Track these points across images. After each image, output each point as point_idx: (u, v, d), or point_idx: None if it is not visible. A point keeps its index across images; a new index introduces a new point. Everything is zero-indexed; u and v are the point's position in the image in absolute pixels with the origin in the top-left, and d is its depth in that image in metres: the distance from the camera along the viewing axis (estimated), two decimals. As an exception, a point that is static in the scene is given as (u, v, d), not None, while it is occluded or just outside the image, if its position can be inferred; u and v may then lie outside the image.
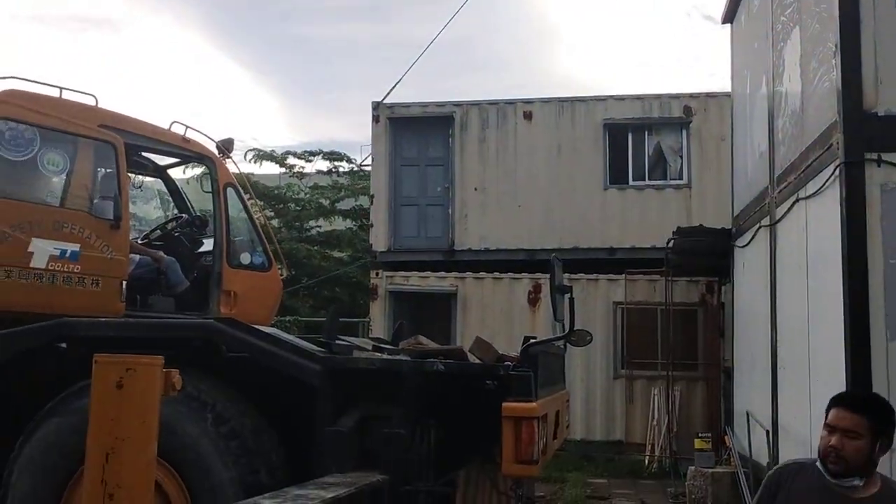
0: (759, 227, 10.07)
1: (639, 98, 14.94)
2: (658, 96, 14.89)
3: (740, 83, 12.11)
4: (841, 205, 6.79)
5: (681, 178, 14.62)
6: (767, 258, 9.51)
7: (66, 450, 4.66)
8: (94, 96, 6.79)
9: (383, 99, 15.17)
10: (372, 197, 15.71)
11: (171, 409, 4.42)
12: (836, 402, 3.20)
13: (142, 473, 2.22)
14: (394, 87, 15.21)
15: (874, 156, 6.72)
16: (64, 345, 5.07)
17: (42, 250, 6.01)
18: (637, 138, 14.78)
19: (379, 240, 15.23)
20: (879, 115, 6.74)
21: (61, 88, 6.60)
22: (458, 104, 15.32)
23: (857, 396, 3.44)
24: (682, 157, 14.66)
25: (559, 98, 15.15)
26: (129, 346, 4.52)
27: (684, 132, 14.59)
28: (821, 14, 7.52)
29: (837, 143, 6.92)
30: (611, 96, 15.08)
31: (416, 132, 15.39)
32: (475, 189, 14.98)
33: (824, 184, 7.29)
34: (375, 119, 15.31)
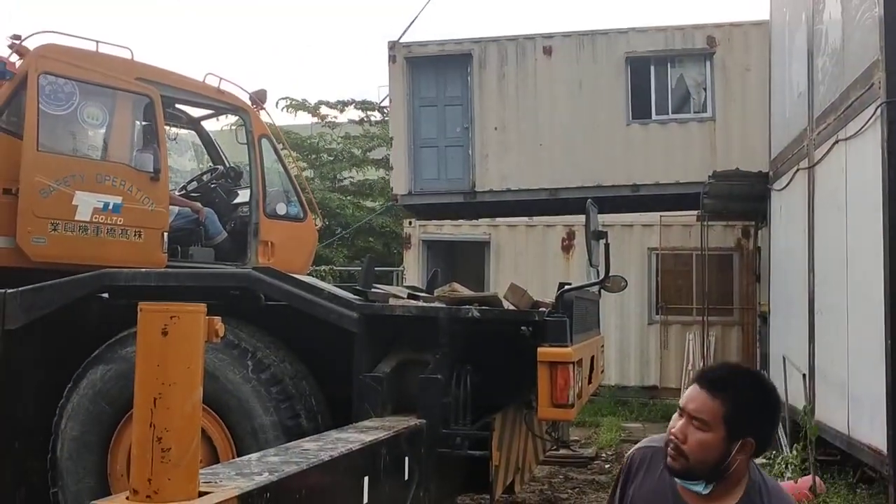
0: (797, 169, 9.90)
1: (661, 30, 14.39)
2: (681, 27, 14.35)
3: (779, 20, 11.81)
4: (882, 146, 6.66)
5: (705, 112, 14.19)
6: (805, 201, 9.37)
7: (113, 396, 4.79)
8: (129, 49, 6.84)
9: (400, 38, 14.71)
10: (391, 139, 15.41)
11: (213, 356, 4.53)
12: (695, 376, 2.43)
13: (188, 417, 2.28)
14: (410, 25, 14.88)
15: (917, 94, 6.57)
16: (106, 295, 5.18)
17: (86, 203, 6.11)
18: (659, 71, 14.32)
19: (400, 183, 14.91)
20: (923, 52, 6.56)
21: (97, 42, 6.64)
22: (476, 41, 14.81)
23: (718, 372, 2.41)
24: (705, 89, 14.25)
25: (579, 32, 14.61)
26: (170, 296, 4.62)
27: (708, 64, 14.12)
28: (864, -52, 7.28)
29: (879, 81, 6.75)
30: (632, 28, 14.51)
31: (433, 72, 14.93)
32: (495, 128, 14.57)
33: (865, 124, 7.13)
34: (392, 59, 14.84)
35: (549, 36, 14.71)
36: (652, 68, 14.33)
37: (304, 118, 25.25)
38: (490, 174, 14.56)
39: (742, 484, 2.33)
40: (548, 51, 14.54)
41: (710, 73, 14.15)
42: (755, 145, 13.42)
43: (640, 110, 14.30)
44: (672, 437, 2.30)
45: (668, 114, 14.27)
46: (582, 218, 5.28)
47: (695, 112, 14.31)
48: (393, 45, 14.81)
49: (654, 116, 14.28)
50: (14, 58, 6.29)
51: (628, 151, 14.15)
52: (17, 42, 6.27)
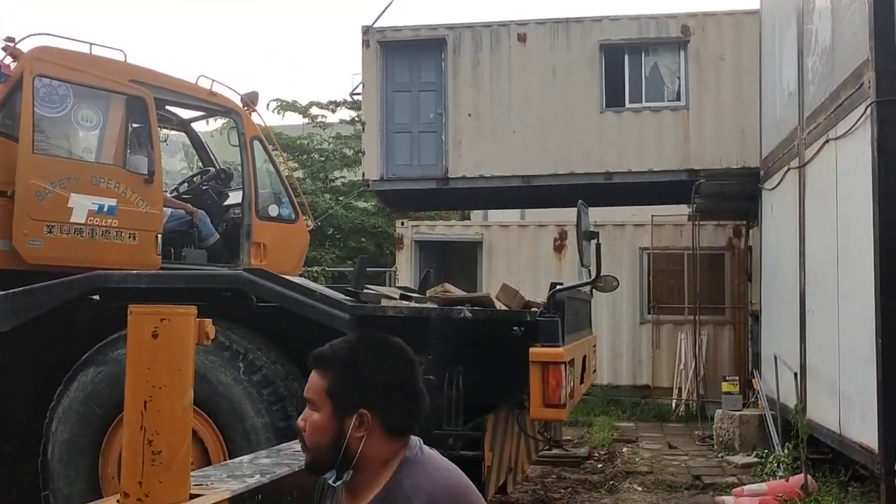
0: (788, 169, 9.94)
1: (635, 18, 14.36)
2: (655, 16, 14.32)
3: (769, 20, 11.85)
4: (872, 145, 6.69)
5: (679, 100, 14.15)
6: (796, 201, 9.40)
7: (104, 398, 4.78)
8: (122, 52, 6.84)
9: (374, 23, 14.58)
10: (363, 124, 15.24)
11: (205, 358, 4.52)
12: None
13: (179, 420, 2.27)
14: (385, 10, 14.72)
15: (907, 94, 6.59)
16: (97, 297, 5.16)
17: (81, 205, 6.12)
18: (633, 59, 14.28)
19: (371, 168, 14.70)
20: (913, 51, 6.59)
21: (91, 44, 6.64)
22: (450, 27, 14.69)
23: (325, 348, 2.18)
24: (679, 78, 14.23)
25: (554, 19, 14.54)
26: (161, 298, 4.61)
27: (682, 52, 14.10)
28: (853, -52, 7.31)
29: (869, 81, 6.78)
30: (606, 16, 14.45)
31: (407, 57, 14.78)
32: (469, 115, 14.44)
33: (855, 123, 7.16)
34: (366, 44, 14.66)
35: (524, 23, 14.61)
36: (626, 56, 14.28)
37: (294, 119, 25.23)
38: (463, 160, 14.41)
39: (385, 475, 2.03)
40: (522, 38, 14.44)
41: (683, 62, 14.12)
42: (728, 134, 13.58)
43: (613, 98, 14.25)
44: (298, 429, 2.07)
45: (641, 102, 14.21)
46: (573, 217, 5.28)
47: (668, 100, 14.26)
48: (367, 30, 14.63)
49: (627, 104, 14.22)
50: (8, 60, 6.27)
51: (602, 139, 14.10)
52: (12, 45, 6.26)
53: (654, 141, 13.92)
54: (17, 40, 6.28)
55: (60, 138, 6.51)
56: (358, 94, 14.94)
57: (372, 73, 14.68)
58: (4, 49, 6.26)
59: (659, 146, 13.84)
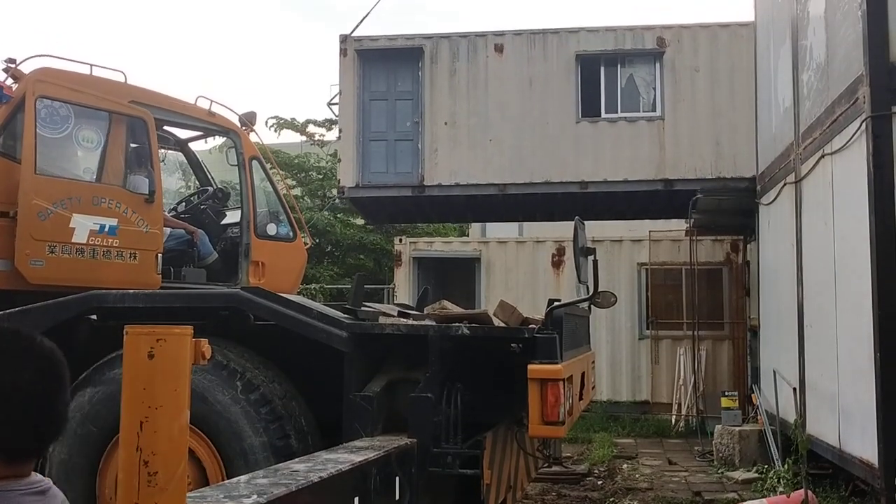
0: (784, 184, 9.96)
1: (611, 29, 14.52)
2: (631, 28, 14.49)
3: (764, 37, 11.91)
4: (867, 159, 6.71)
5: (654, 111, 14.29)
6: (793, 215, 9.42)
7: (101, 419, 4.75)
8: (122, 73, 6.88)
9: (352, 32, 14.68)
10: (340, 132, 15.28)
11: (202, 377, 4.51)
12: None
13: (176, 440, 2.26)
14: (363, 20, 14.89)
15: (901, 109, 6.62)
16: (94, 316, 5.15)
17: (82, 225, 6.14)
18: (609, 70, 14.44)
19: (347, 175, 14.75)
20: (907, 67, 6.62)
21: (91, 65, 6.68)
22: (427, 37, 14.81)
23: None
24: (655, 89, 14.37)
25: (531, 30, 14.67)
26: (158, 317, 4.60)
27: (657, 64, 14.26)
28: (846, -35, 7.36)
29: (864, 96, 6.81)
30: (583, 28, 14.60)
31: (384, 66, 14.89)
32: (445, 123, 14.54)
33: (850, 138, 7.19)
34: (343, 52, 14.76)
35: (501, 33, 14.74)
36: (602, 67, 14.42)
37: (292, 137, 25.29)
38: (439, 168, 14.47)
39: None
40: (499, 48, 14.56)
41: (659, 73, 14.27)
42: (703, 145, 13.77)
43: (589, 108, 14.36)
44: None
45: (617, 112, 14.34)
46: (571, 233, 5.29)
47: (644, 111, 14.38)
48: (344, 39, 14.73)
49: (603, 114, 14.34)
50: (9, 81, 6.30)
51: (577, 149, 14.20)
52: (13, 66, 6.29)
53: (629, 151, 14.06)
54: (18, 61, 6.32)
55: (62, 159, 6.55)
56: (335, 103, 14.96)
57: (349, 81, 14.77)
58: (6, 70, 6.29)
59: (634, 156, 13.98)
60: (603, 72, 14.37)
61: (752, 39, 13.29)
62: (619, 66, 14.40)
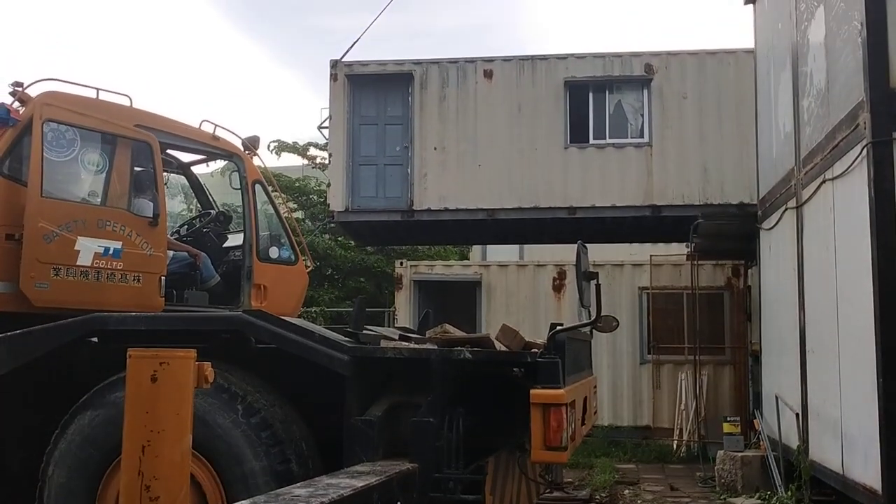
0: (786, 209, 9.98)
1: (600, 56, 14.63)
2: (619, 54, 14.61)
3: (764, 64, 11.98)
4: (869, 185, 6.72)
5: (642, 137, 14.38)
6: (794, 240, 9.43)
7: (101, 442, 4.73)
8: (128, 96, 6.92)
9: (342, 57, 14.79)
10: (330, 156, 15.36)
11: (203, 401, 4.49)
12: None
13: (177, 465, 2.25)
14: (352, 46, 14.91)
15: (902, 135, 6.64)
16: (95, 339, 5.14)
17: (87, 248, 6.16)
18: (598, 97, 14.54)
19: (337, 200, 14.80)
20: (907, 93, 6.65)
21: (98, 89, 6.72)
22: (417, 62, 14.93)
23: None
24: (643, 115, 14.47)
25: (520, 56, 14.80)
26: (160, 340, 4.59)
27: (645, 91, 14.37)
28: (845, -8, 7.42)
29: (864, 122, 6.84)
30: (572, 54, 14.73)
31: (374, 91, 14.98)
32: (435, 148, 14.62)
33: (852, 164, 7.21)
34: (333, 77, 14.85)
35: (490, 59, 14.87)
36: (590, 93, 14.52)
37: (293, 160, 25.37)
38: (428, 193, 14.54)
39: None
40: (488, 74, 14.69)
41: (647, 100, 14.38)
42: (691, 171, 13.89)
43: (578, 134, 14.46)
44: None
45: (605, 138, 14.43)
46: (572, 257, 5.29)
47: (632, 137, 14.47)
48: (335, 64, 14.85)
49: (591, 140, 14.42)
50: (16, 104, 6.33)
51: (566, 174, 14.28)
52: (20, 90, 6.32)
53: (617, 177, 14.16)
54: (24, 85, 6.36)
55: (68, 182, 6.58)
56: (325, 126, 15.06)
57: (339, 106, 14.86)
58: (12, 94, 6.32)
59: (622, 182, 14.08)
60: (591, 98, 14.51)
61: (738, 66, 13.67)
62: (607, 92, 14.54)
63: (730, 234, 12.76)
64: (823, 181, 8.18)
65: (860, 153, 6.96)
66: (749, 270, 13.83)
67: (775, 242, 10.89)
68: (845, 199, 7.52)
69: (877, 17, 6.80)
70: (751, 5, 12.53)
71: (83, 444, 4.82)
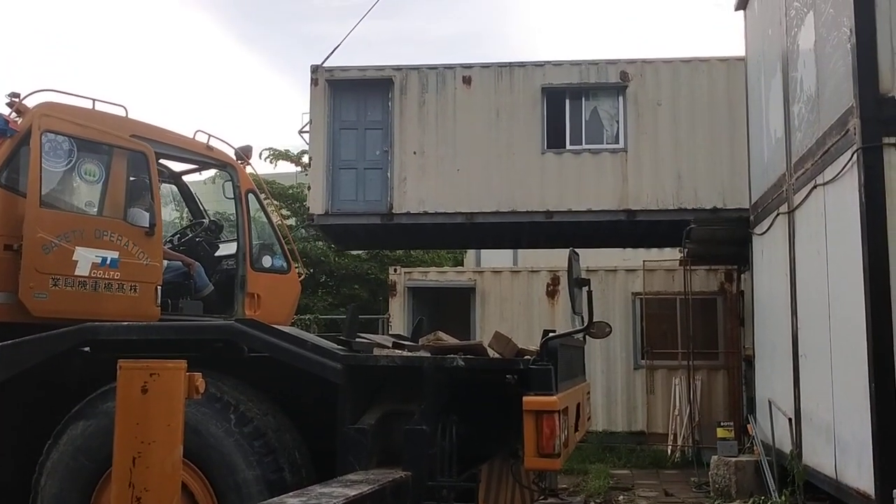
0: (777, 214, 10.01)
1: (576, 63, 14.80)
2: (595, 62, 14.77)
3: (755, 69, 12.04)
4: (859, 190, 6.76)
5: (617, 143, 14.53)
6: (786, 245, 9.46)
7: (93, 452, 4.72)
8: (124, 107, 6.94)
9: (323, 62, 14.92)
10: (310, 160, 15.48)
11: (195, 410, 4.48)
12: None
13: (168, 476, 2.25)
14: (334, 51, 14.96)
15: (892, 140, 6.69)
16: (87, 349, 5.13)
17: (85, 258, 6.16)
18: (574, 103, 14.70)
19: (316, 203, 14.90)
20: (897, 98, 6.69)
21: (94, 100, 6.73)
22: (397, 68, 15.08)
23: None
24: (618, 122, 14.63)
25: (498, 63, 14.99)
26: (152, 349, 4.58)
27: (621, 97, 14.53)
28: (835, -2, 7.46)
29: (854, 127, 6.87)
30: (549, 61, 14.91)
31: (354, 96, 15.11)
32: (414, 153, 14.76)
33: (842, 169, 7.24)
34: (314, 82, 15.00)
35: (469, 66, 15.02)
36: (567, 100, 14.65)
37: (287, 167, 25.38)
38: (408, 197, 14.65)
39: None
40: (467, 80, 14.83)
41: (622, 107, 14.53)
42: (665, 176, 14.04)
43: (554, 140, 14.60)
44: None
45: (581, 144, 14.57)
46: (566, 263, 5.29)
47: (608, 143, 14.61)
48: (315, 69, 14.96)
49: (568, 146, 14.55)
50: (13, 115, 6.33)
51: (543, 179, 14.41)
52: (17, 100, 6.33)
53: (593, 182, 14.30)
54: (22, 96, 6.37)
55: (65, 192, 6.60)
56: (306, 131, 15.14)
57: (319, 110, 14.97)
58: (9, 104, 6.33)
59: (598, 187, 14.22)
60: (568, 104, 14.65)
61: (711, 74, 13.84)
62: (583, 99, 14.69)
63: (722, 239, 12.80)
64: (814, 186, 8.21)
65: (850, 158, 6.99)
66: (742, 275, 13.88)
67: (767, 247, 10.92)
68: (836, 204, 7.55)
69: (866, 23, 6.84)
70: (741, 11, 12.59)
71: (75, 454, 4.80)
